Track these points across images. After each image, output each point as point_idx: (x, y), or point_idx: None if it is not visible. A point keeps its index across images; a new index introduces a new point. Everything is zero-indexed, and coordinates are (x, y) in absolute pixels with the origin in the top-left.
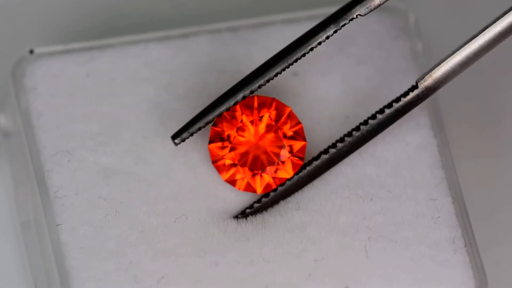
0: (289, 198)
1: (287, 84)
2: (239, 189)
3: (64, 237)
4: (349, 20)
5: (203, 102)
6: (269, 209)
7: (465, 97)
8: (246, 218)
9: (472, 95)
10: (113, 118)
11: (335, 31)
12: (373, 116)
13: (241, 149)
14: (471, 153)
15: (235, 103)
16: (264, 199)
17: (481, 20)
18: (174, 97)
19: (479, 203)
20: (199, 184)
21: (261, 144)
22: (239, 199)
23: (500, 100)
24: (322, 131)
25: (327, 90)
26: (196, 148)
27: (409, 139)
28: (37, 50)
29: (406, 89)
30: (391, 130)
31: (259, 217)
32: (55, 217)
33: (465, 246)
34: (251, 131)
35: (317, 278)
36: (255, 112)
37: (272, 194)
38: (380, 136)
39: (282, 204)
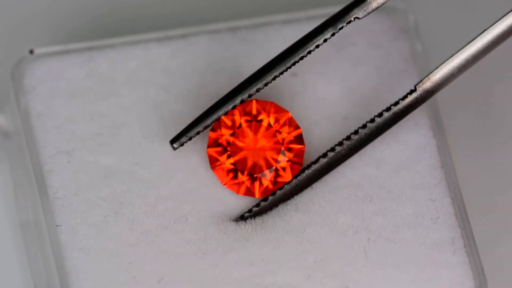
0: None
1: (286, 84)
2: (238, 193)
3: (63, 237)
4: (347, 23)
5: (203, 103)
6: (268, 211)
7: (464, 97)
8: (245, 220)
9: (472, 96)
10: (113, 118)
11: (333, 34)
12: (372, 120)
13: (240, 154)
14: (471, 153)
15: (234, 107)
16: (263, 203)
17: (480, 19)
18: (174, 98)
19: (479, 203)
20: (199, 185)
21: (260, 149)
22: (239, 201)
23: (500, 100)
24: (321, 131)
25: (326, 90)
26: (195, 149)
27: (408, 139)
28: (37, 51)
29: (405, 89)
30: (390, 130)
31: (258, 219)
32: (54, 218)
33: (464, 247)
34: (250, 135)
35: (317, 279)
36: (254, 116)
37: (271, 198)
38: (379, 136)
39: (281, 205)
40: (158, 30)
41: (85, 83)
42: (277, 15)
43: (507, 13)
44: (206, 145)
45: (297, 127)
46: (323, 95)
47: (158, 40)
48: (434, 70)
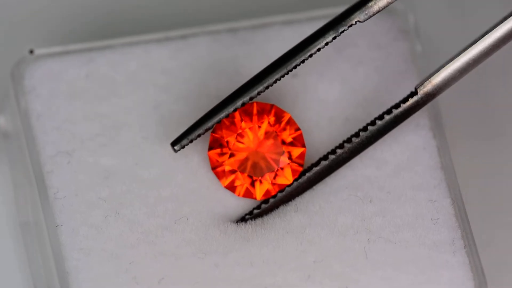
0: None
1: (287, 85)
2: (238, 195)
3: (63, 238)
4: (348, 27)
5: (203, 104)
6: (269, 212)
7: (464, 98)
8: (245, 221)
9: (472, 96)
10: (113, 119)
11: (334, 37)
12: (373, 122)
13: (241, 156)
14: (471, 154)
15: (235, 110)
16: (263, 205)
17: (480, 20)
18: (174, 98)
19: (479, 204)
20: (199, 185)
21: (260, 151)
22: (239, 202)
23: (500, 101)
24: (322, 133)
25: (326, 91)
26: (196, 150)
27: (408, 140)
28: (37, 51)
29: (405, 90)
30: (391, 132)
31: (258, 219)
32: (54, 218)
33: (464, 248)
34: (250, 137)
35: (317, 279)
36: (255, 118)
37: (271, 200)
38: (380, 139)
39: (281, 206)
40: (158, 31)
41: (85, 83)
42: (277, 16)
43: (509, 16)
44: (207, 146)
45: (298, 129)
46: (324, 96)
47: (158, 41)
48: (435, 73)
